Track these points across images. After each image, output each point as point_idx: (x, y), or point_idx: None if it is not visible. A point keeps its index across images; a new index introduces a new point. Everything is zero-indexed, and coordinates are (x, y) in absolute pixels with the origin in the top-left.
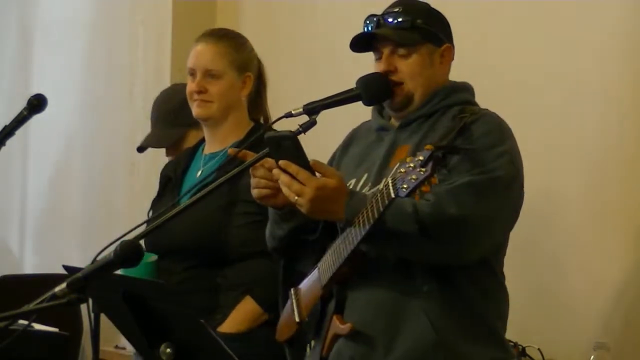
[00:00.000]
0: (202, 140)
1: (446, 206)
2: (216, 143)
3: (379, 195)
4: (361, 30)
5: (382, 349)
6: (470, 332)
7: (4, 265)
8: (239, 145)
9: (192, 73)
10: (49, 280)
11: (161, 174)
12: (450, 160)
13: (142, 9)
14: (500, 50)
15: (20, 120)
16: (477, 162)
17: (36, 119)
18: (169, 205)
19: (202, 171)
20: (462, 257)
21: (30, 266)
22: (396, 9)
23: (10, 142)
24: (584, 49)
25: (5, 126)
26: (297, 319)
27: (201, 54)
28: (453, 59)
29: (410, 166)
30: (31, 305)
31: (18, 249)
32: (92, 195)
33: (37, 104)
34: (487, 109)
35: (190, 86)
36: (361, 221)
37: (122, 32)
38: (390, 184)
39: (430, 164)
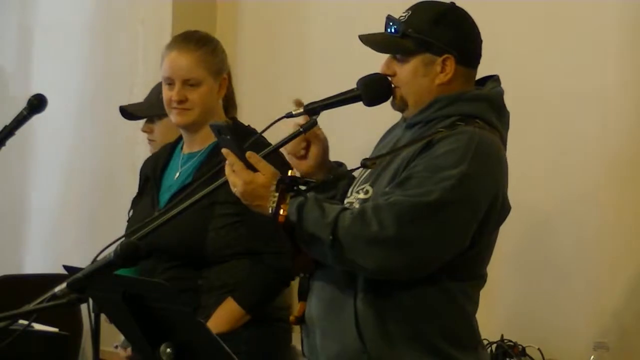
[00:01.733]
0: (182, 137)
1: (367, 222)
2: (196, 144)
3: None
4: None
5: (319, 346)
6: (404, 346)
7: (4, 265)
8: (215, 148)
9: (170, 82)
10: (49, 280)
11: (140, 172)
12: (301, 188)
13: (142, 8)
14: (500, 51)
15: (20, 120)
16: (418, 182)
17: (36, 118)
18: (160, 208)
19: (179, 173)
20: (375, 274)
21: (30, 266)
22: (403, 14)
23: (11, 142)
24: (584, 49)
25: (5, 126)
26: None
27: (177, 63)
28: (471, 65)
29: (272, 189)
30: (31, 305)
31: (18, 249)
32: (93, 195)
33: (37, 104)
34: (472, 128)
35: (168, 94)
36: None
37: (122, 32)
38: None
39: (279, 191)
